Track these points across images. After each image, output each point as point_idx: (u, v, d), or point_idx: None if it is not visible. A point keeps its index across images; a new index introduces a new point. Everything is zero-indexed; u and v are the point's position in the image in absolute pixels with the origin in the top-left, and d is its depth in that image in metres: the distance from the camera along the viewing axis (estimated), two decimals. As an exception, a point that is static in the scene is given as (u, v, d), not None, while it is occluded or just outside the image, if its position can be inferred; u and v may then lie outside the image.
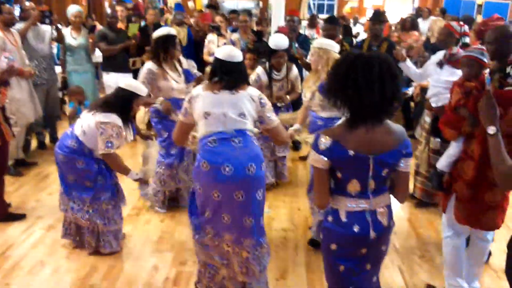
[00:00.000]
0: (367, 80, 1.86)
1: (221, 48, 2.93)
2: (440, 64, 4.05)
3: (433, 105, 4.04)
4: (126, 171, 3.42)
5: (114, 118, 3.23)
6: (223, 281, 2.96)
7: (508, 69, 2.55)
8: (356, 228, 2.04)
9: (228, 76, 2.74)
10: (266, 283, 3.01)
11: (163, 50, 3.97)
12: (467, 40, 4.11)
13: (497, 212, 2.80)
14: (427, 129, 4.27)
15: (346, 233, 2.05)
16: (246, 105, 2.75)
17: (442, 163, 2.96)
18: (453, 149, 2.91)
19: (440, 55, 4.15)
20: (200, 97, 2.74)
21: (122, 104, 3.31)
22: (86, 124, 3.29)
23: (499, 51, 2.90)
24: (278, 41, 4.41)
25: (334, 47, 3.58)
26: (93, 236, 3.50)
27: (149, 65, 4.00)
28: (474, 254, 3.05)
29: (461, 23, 4.18)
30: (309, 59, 4.43)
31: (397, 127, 2.05)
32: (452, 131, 2.88)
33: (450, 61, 3.97)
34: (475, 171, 2.71)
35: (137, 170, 3.69)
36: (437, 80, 4.06)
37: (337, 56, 3.47)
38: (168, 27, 4.50)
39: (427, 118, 4.30)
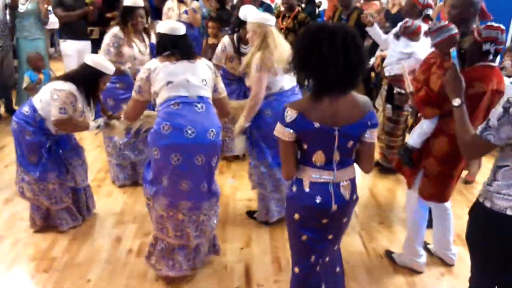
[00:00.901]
0: (331, 51, 1.86)
1: (162, 23, 2.91)
2: (397, 36, 4.12)
3: (386, 74, 4.13)
4: (85, 127, 3.29)
5: (70, 87, 3.12)
6: (174, 252, 2.94)
7: (486, 46, 2.52)
8: (318, 199, 2.07)
9: (179, 49, 2.79)
10: (215, 238, 3.12)
11: (131, 18, 3.89)
12: (429, 12, 4.16)
13: (455, 184, 2.93)
14: (384, 96, 4.40)
15: (308, 203, 2.08)
16: (206, 72, 2.83)
17: (415, 140, 2.92)
18: (428, 126, 2.86)
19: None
20: (159, 69, 2.73)
21: (87, 81, 3.19)
22: (44, 92, 3.19)
23: (462, 16, 2.95)
24: (248, 12, 4.31)
25: (270, 21, 3.32)
26: (39, 213, 3.41)
27: (116, 29, 3.91)
28: (443, 224, 3.14)
29: None
30: None
31: (362, 98, 2.06)
32: (433, 110, 2.80)
33: (405, 33, 4.03)
34: (449, 146, 2.75)
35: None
36: (393, 50, 4.14)
37: (273, 30, 3.30)
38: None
39: (385, 86, 4.40)
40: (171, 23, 2.89)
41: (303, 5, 7.79)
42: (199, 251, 3.01)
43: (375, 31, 4.45)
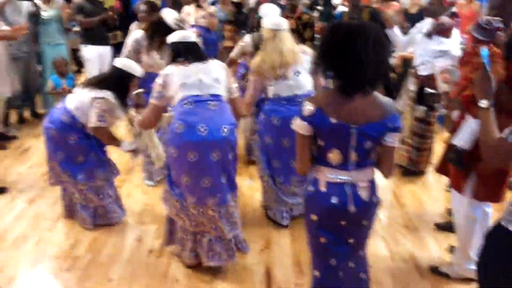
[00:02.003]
0: (366, 51, 1.83)
1: (172, 34, 3.00)
2: (429, 35, 4.09)
3: (426, 72, 4.07)
4: (117, 143, 3.38)
5: (108, 95, 3.19)
6: (208, 245, 2.98)
7: None
8: (334, 200, 2.04)
9: (191, 54, 2.88)
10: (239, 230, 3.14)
11: (159, 39, 3.79)
12: (454, 9, 4.15)
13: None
14: (412, 97, 4.31)
15: (325, 203, 2.06)
16: (219, 71, 2.90)
17: (465, 141, 2.78)
18: (477, 125, 2.62)
19: (426, 24, 4.18)
20: (173, 73, 2.80)
21: (118, 83, 3.26)
22: (81, 99, 3.24)
23: (502, 15, 2.88)
24: (269, 11, 4.33)
25: (279, 25, 3.35)
26: (88, 212, 3.48)
27: (138, 34, 3.93)
28: (482, 228, 2.94)
29: None
30: None
31: (386, 100, 2.02)
32: None
33: (440, 31, 4.01)
34: None
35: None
36: (425, 49, 4.10)
37: (280, 35, 3.32)
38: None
39: (412, 87, 4.34)
40: (181, 32, 3.05)
41: (319, 7, 7.79)
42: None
43: (395, 33, 4.43)
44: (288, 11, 5.17)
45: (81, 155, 3.33)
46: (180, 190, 2.84)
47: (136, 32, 3.98)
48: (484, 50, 2.15)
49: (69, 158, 3.32)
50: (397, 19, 4.54)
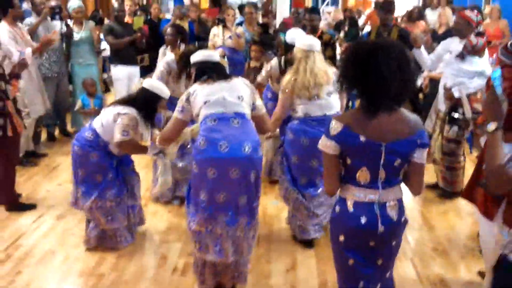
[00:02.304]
0: (389, 66, 1.83)
1: (195, 53, 3.05)
2: (462, 56, 4.08)
3: (456, 94, 4.01)
4: (144, 150, 3.40)
5: (133, 111, 3.24)
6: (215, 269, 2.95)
7: None
8: (363, 220, 2.00)
9: (215, 72, 2.91)
10: (249, 261, 3.05)
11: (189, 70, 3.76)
12: (481, 29, 4.12)
13: None
14: (442, 118, 4.27)
15: (353, 224, 2.02)
16: (243, 89, 2.90)
17: None
18: (510, 151, 2.56)
19: (453, 44, 4.15)
20: (197, 91, 2.84)
21: (146, 104, 3.31)
22: (106, 117, 3.30)
23: None
24: (295, 36, 4.37)
25: (313, 46, 3.39)
26: (95, 231, 3.47)
27: (170, 58, 4.04)
28: None
29: (476, 12, 4.19)
30: None
31: (413, 116, 2.00)
32: None
33: (473, 51, 4.01)
34: None
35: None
36: (458, 70, 4.09)
37: (312, 56, 3.36)
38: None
39: (442, 107, 4.30)
40: (204, 51, 3.09)
41: (346, 28, 7.83)
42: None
43: (421, 53, 4.40)
44: (309, 31, 5.19)
45: (99, 174, 3.33)
46: (195, 205, 2.81)
47: (168, 55, 4.10)
48: (494, 72, 2.09)
49: (88, 176, 3.34)
50: (423, 39, 4.50)
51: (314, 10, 5.43)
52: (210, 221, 2.77)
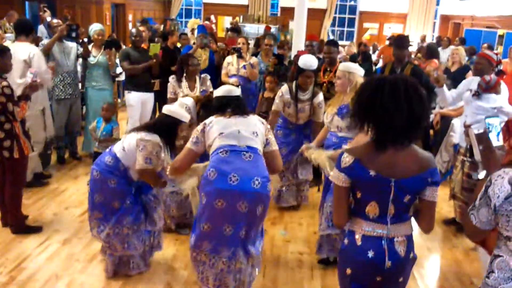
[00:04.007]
0: (394, 101, 1.85)
1: (219, 88, 3.17)
2: (477, 95, 4.14)
3: (476, 131, 4.01)
4: (163, 184, 3.43)
5: (156, 138, 3.24)
6: None
7: None
8: (371, 254, 1.99)
9: (233, 107, 3.00)
10: None
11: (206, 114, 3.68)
12: (501, 67, 4.18)
13: None
14: (463, 153, 4.29)
15: (360, 258, 2.01)
16: (258, 125, 2.95)
17: None
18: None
19: (475, 83, 4.19)
20: (213, 123, 2.90)
21: (167, 129, 3.33)
22: (127, 141, 3.30)
23: None
24: (307, 60, 4.39)
25: (360, 71, 3.62)
26: (111, 259, 3.42)
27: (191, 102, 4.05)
28: None
29: (496, 51, 4.27)
30: None
31: (425, 154, 2.01)
32: None
33: (489, 88, 4.07)
34: None
35: None
36: (477, 108, 4.14)
37: (362, 79, 3.50)
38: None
39: (462, 143, 4.33)
40: (227, 86, 3.25)
41: (359, 63, 7.88)
42: None
43: (444, 91, 4.44)
44: (327, 63, 5.23)
45: (117, 201, 3.28)
46: (198, 235, 2.80)
47: (187, 100, 4.11)
48: (487, 121, 2.10)
49: (106, 201, 3.29)
50: (437, 75, 4.53)
51: (333, 42, 5.47)
52: (214, 255, 2.78)
